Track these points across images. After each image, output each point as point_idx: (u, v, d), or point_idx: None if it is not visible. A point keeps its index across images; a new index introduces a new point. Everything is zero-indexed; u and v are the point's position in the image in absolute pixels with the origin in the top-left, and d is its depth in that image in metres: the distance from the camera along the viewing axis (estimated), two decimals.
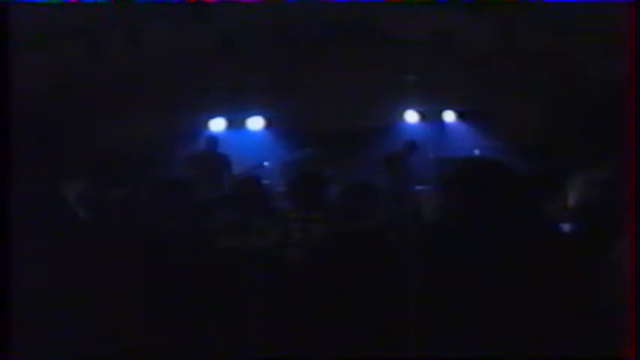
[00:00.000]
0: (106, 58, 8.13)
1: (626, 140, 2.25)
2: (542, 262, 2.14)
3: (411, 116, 10.20)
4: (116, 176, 7.54)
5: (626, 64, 2.29)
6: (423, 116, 10.24)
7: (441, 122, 10.32)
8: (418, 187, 7.83)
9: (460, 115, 10.25)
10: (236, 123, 10.08)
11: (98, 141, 9.01)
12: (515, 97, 9.48)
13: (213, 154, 8.95)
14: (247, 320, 3.08)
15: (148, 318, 3.01)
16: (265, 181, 6.74)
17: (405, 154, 8.82)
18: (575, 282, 2.15)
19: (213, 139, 9.17)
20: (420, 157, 9.04)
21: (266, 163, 8.93)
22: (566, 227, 3.17)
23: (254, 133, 10.10)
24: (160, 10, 7.63)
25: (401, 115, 10.19)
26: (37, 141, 7.31)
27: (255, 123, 10.10)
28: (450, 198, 2.34)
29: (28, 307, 2.73)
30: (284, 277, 3.28)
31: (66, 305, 3.02)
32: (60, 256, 3.21)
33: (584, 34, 7.61)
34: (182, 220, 3.72)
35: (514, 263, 2.13)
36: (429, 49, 8.79)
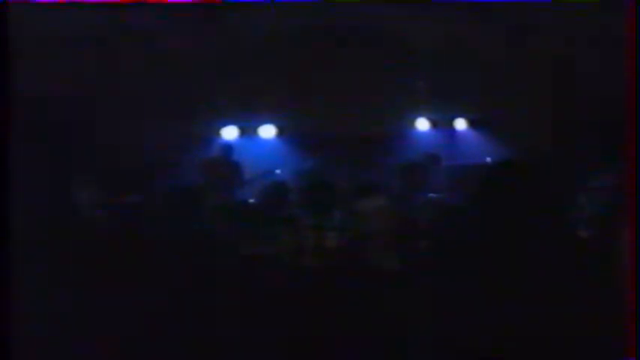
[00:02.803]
0: (119, 64, 8.20)
1: (630, 144, 2.22)
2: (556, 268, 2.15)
3: (423, 124, 10.20)
4: (129, 183, 7.59)
5: (626, 63, 2.27)
6: (435, 124, 10.24)
7: (453, 130, 10.31)
8: (431, 195, 7.82)
9: (472, 123, 10.25)
10: (248, 131, 10.12)
11: (111, 147, 9.06)
12: (527, 104, 9.47)
13: (226, 160, 8.99)
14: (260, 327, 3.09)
15: (158, 324, 3.03)
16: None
17: (427, 166, 8.81)
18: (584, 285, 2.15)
19: (227, 147, 9.22)
20: (435, 166, 9.05)
21: (278, 171, 8.97)
22: (579, 233, 3.17)
23: (266, 141, 10.13)
24: (173, 16, 7.69)
25: (412, 122, 10.20)
26: (47, 146, 7.40)
27: (268, 131, 10.14)
28: (478, 205, 2.33)
29: (30, 317, 2.75)
30: (298, 284, 3.30)
31: (71, 314, 3.03)
32: (69, 263, 3.23)
33: (596, 40, 7.61)
34: (197, 226, 3.75)
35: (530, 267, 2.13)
36: (441, 56, 8.81)
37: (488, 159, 9.15)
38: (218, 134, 9.98)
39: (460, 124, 10.26)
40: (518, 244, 2.17)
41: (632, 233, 1.92)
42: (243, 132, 10.11)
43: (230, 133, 10.01)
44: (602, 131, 7.89)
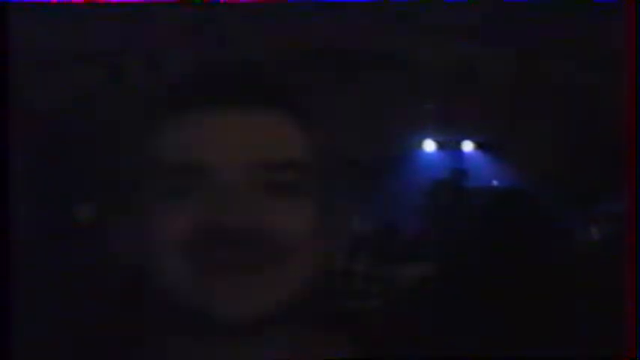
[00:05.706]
0: (123, 80, 8.20)
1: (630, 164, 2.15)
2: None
3: (429, 146, 10.17)
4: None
5: (625, 68, 2.20)
6: (441, 146, 10.20)
7: (460, 152, 10.27)
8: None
9: (479, 146, 10.21)
10: None
11: (112, 161, 9.03)
12: (534, 127, 9.44)
13: None
14: None
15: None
16: None
17: (455, 182, 8.72)
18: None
19: None
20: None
21: None
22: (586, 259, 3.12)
23: None
24: (178, 32, 7.70)
25: (419, 144, 10.17)
26: (51, 160, 7.36)
27: None
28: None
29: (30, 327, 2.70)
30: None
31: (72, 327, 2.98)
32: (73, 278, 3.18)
33: (603, 66, 7.58)
34: None
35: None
36: (448, 79, 8.80)
37: (495, 182, 9.11)
38: None
39: (467, 146, 10.23)
40: (521, 269, 2.11)
41: (632, 236, 1.86)
42: None
43: None
44: (609, 156, 7.83)
